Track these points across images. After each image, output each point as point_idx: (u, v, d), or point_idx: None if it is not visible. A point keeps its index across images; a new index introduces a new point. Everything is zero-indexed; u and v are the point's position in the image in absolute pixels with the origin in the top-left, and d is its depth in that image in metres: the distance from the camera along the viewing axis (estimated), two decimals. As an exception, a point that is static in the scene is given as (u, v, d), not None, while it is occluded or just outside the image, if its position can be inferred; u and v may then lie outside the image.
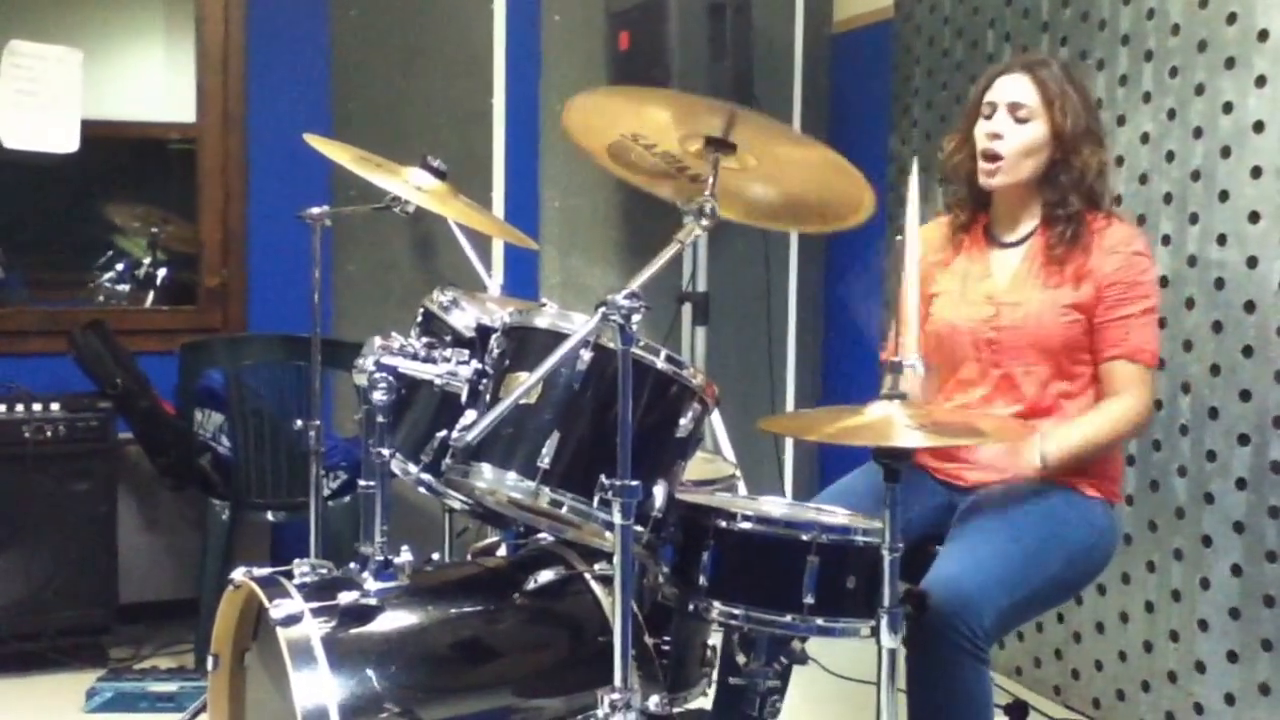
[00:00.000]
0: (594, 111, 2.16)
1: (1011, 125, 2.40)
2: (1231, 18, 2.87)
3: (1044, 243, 2.40)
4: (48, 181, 4.50)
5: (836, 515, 2.14)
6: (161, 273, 4.47)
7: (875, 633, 1.81)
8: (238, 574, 2.05)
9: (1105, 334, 2.34)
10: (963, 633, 2.06)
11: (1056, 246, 2.37)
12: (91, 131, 3.79)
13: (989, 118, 2.43)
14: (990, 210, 2.53)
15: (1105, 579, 3.11)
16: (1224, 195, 2.89)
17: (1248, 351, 2.83)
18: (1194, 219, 2.98)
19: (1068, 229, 2.36)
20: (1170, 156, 3.04)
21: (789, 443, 4.45)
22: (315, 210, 2.93)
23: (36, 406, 3.45)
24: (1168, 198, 3.05)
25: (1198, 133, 2.96)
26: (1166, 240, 3.05)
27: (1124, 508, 3.08)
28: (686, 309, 4.07)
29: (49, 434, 3.43)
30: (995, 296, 2.44)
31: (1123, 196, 3.15)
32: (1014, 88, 2.41)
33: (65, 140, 3.75)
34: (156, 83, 4.81)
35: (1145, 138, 3.12)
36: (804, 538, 1.91)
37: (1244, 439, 2.85)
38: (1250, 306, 2.83)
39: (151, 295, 4.48)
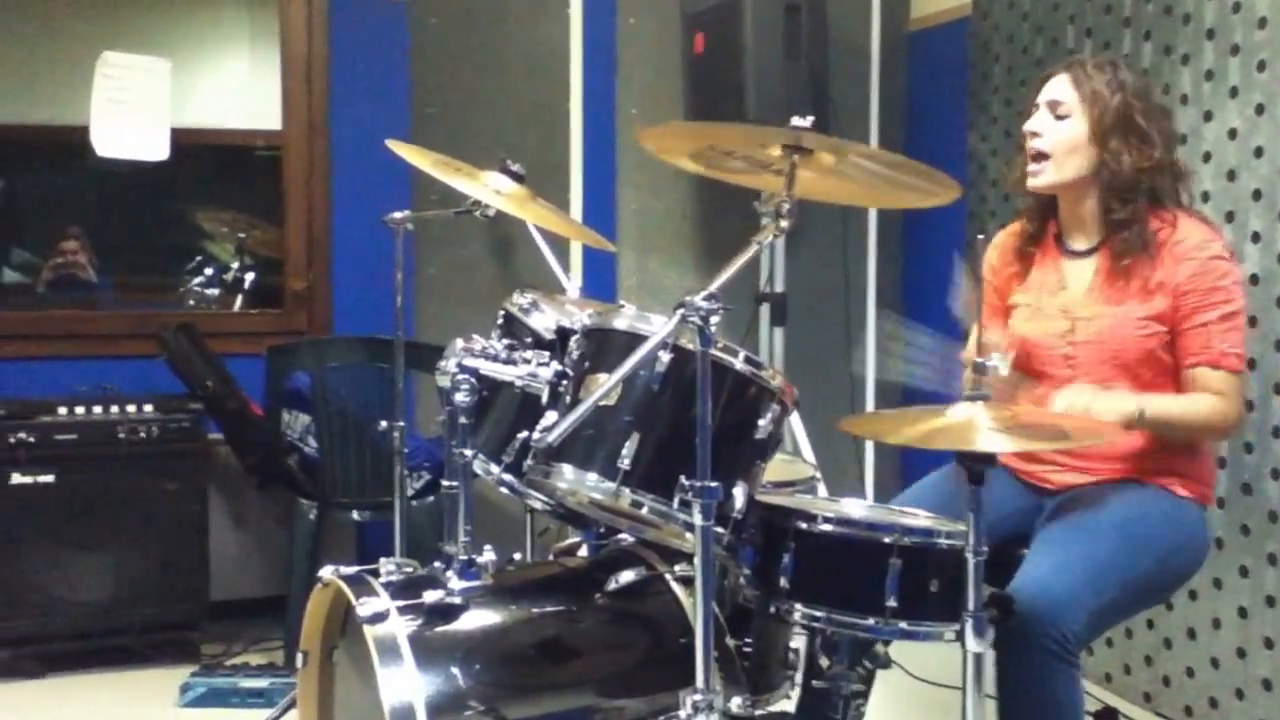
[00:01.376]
0: (669, 135, 2.18)
1: (1050, 123, 2.39)
2: (1323, 9, 2.80)
3: (1112, 250, 2.36)
4: (139, 188, 4.62)
5: (919, 517, 2.12)
6: (248, 277, 4.55)
7: (960, 637, 1.80)
8: (325, 572, 2.08)
9: (1186, 342, 2.28)
10: (1052, 637, 2.03)
11: (1125, 255, 2.32)
12: (180, 139, 3.88)
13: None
14: (1058, 218, 2.49)
15: (1197, 584, 3.05)
16: (1316, 190, 2.83)
17: (1343, 350, 2.77)
18: (1285, 215, 2.92)
19: (1132, 233, 2.31)
20: (1259, 152, 2.97)
21: (869, 444, 4.42)
22: (397, 214, 2.97)
23: (130, 408, 3.54)
24: (1256, 194, 2.98)
25: (1289, 127, 2.90)
26: (1256, 238, 2.98)
27: (1215, 511, 3.02)
28: (764, 309, 4.06)
29: (142, 434, 3.50)
30: (1070, 310, 2.40)
31: (1210, 193, 3.09)
32: (1054, 87, 2.40)
33: (155, 148, 3.83)
34: (243, 91, 4.90)
35: (1233, 134, 3.05)
36: (886, 540, 1.90)
37: (1339, 440, 2.78)
38: (1345, 304, 2.77)
39: (239, 299, 4.57)
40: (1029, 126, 2.42)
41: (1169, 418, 2.26)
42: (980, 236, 2.48)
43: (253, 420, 3.66)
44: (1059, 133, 2.37)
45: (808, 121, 1.95)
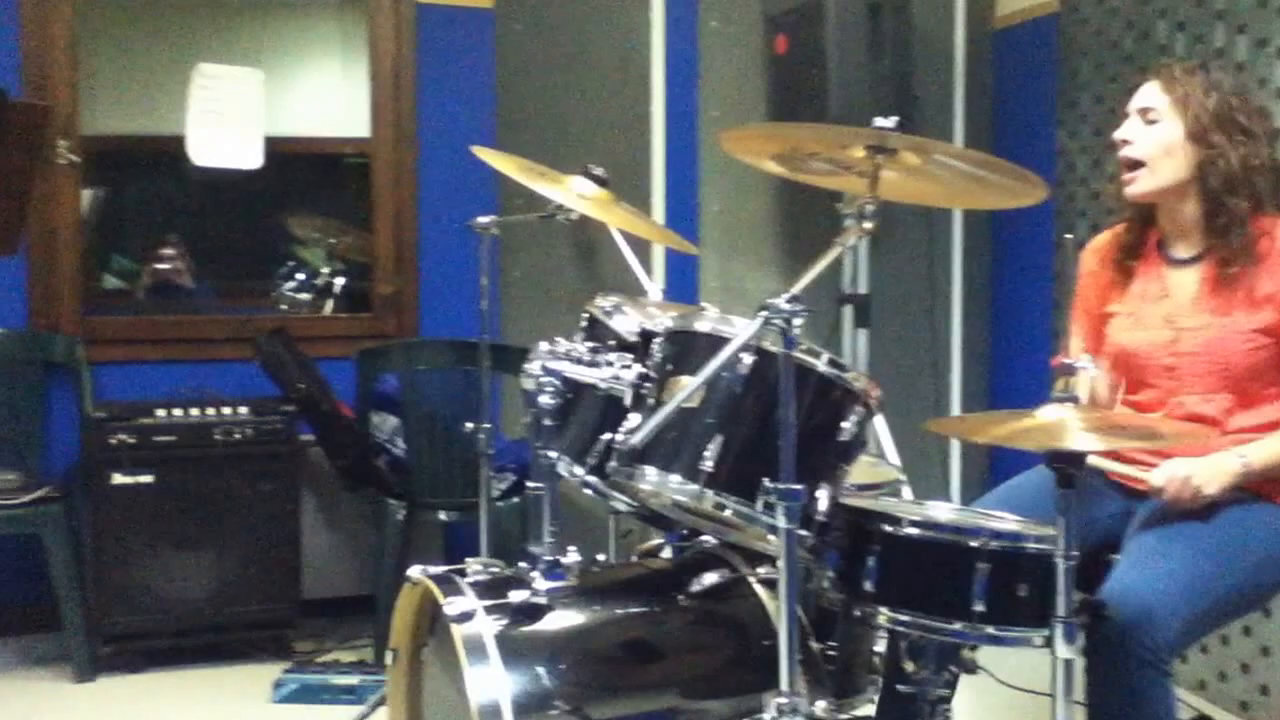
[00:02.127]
0: (751, 138, 2.18)
1: (1141, 128, 2.34)
2: None
3: (1218, 258, 2.30)
4: (234, 196, 4.72)
5: (1006, 521, 2.10)
6: (339, 281, 4.62)
7: (1049, 643, 1.78)
8: (414, 572, 2.11)
9: None
10: (1145, 644, 1.99)
11: (1231, 263, 2.27)
12: (273, 147, 3.95)
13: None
14: (1158, 225, 2.45)
15: (1294, 589, 2.98)
16: None
17: None
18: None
19: (1235, 239, 2.26)
20: (1362, 146, 2.89)
21: (956, 447, 4.37)
22: (483, 219, 3.01)
23: (225, 410, 3.60)
24: (1359, 189, 2.90)
25: (1392, 120, 2.81)
26: (1358, 234, 2.90)
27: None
28: (848, 311, 4.04)
29: (237, 436, 3.57)
30: (1174, 320, 2.35)
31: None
32: (1143, 94, 2.36)
33: (250, 156, 3.91)
34: (333, 100, 4.99)
35: (1334, 127, 2.97)
36: (973, 544, 1.88)
37: None
38: None
39: (330, 303, 4.64)
40: (1119, 135, 2.37)
41: (1278, 458, 2.21)
42: (1068, 236, 2.45)
43: (343, 422, 3.72)
44: (1152, 138, 2.33)
45: (891, 122, 1.94)
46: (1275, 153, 2.34)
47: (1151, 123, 2.34)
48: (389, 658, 2.25)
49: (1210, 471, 2.17)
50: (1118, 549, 2.25)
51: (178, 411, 3.57)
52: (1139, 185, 2.36)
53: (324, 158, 4.81)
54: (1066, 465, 1.74)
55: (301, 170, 4.74)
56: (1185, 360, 2.32)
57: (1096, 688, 2.03)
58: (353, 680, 3.35)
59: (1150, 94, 2.36)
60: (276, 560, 3.62)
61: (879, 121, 1.94)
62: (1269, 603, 2.42)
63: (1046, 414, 1.81)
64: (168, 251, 4.51)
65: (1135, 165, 2.35)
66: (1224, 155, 2.27)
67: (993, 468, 4.39)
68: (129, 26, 4.77)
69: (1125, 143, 2.36)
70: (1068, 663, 1.76)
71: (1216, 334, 2.28)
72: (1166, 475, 2.17)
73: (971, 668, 2.12)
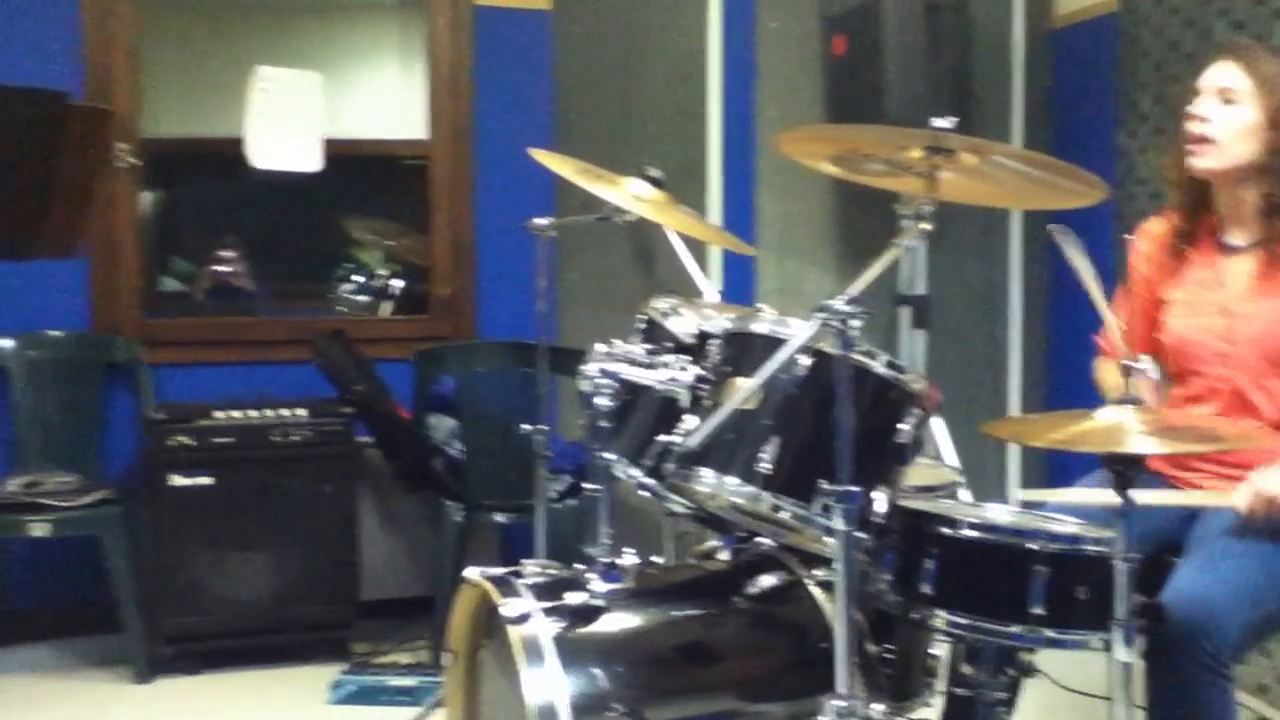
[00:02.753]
0: (808, 139, 2.18)
1: (1218, 108, 2.30)
2: None
3: (1273, 247, 2.27)
4: (292, 198, 4.77)
5: (1065, 523, 2.08)
6: (396, 283, 4.65)
7: (1108, 646, 1.76)
8: (471, 573, 2.11)
9: None
10: (1205, 649, 1.97)
11: None
12: (331, 150, 3.98)
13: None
14: (1215, 211, 2.41)
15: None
16: None
17: None
18: None
19: None
20: None
21: (1014, 448, 4.33)
22: (540, 221, 3.02)
23: (284, 411, 3.62)
24: None
25: None
26: None
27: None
28: (905, 312, 4.01)
29: (295, 438, 3.59)
30: (1228, 307, 2.32)
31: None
32: (1221, 74, 2.32)
33: (308, 159, 3.94)
34: (391, 102, 5.02)
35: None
36: (1031, 546, 1.87)
37: None
38: None
39: (388, 305, 4.67)
40: (1197, 110, 2.32)
41: None
42: (1128, 237, 2.42)
43: (401, 424, 3.74)
44: (1229, 118, 2.29)
45: (949, 122, 1.93)
46: None
47: (1229, 103, 2.30)
48: (446, 659, 2.25)
49: None
50: (1179, 552, 2.22)
51: (236, 413, 3.59)
52: (1205, 160, 2.32)
53: (382, 160, 4.83)
54: (1123, 467, 1.72)
55: (359, 173, 4.77)
56: (1241, 347, 2.30)
57: (1156, 691, 2.01)
58: (410, 682, 3.38)
59: (1230, 74, 2.31)
60: (334, 562, 3.63)
61: (937, 122, 1.93)
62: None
63: (1104, 416, 1.79)
64: (226, 254, 4.55)
65: (1205, 141, 2.31)
66: None
67: (1050, 469, 4.34)
68: (189, 29, 4.84)
69: (1202, 120, 2.32)
70: (1127, 666, 1.74)
71: (1271, 321, 2.25)
72: (1250, 495, 2.12)
73: (1031, 671, 2.09)
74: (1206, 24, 3.62)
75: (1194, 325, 2.37)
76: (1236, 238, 2.37)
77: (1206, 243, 2.42)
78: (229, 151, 3.93)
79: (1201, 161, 2.33)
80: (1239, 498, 2.13)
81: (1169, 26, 3.80)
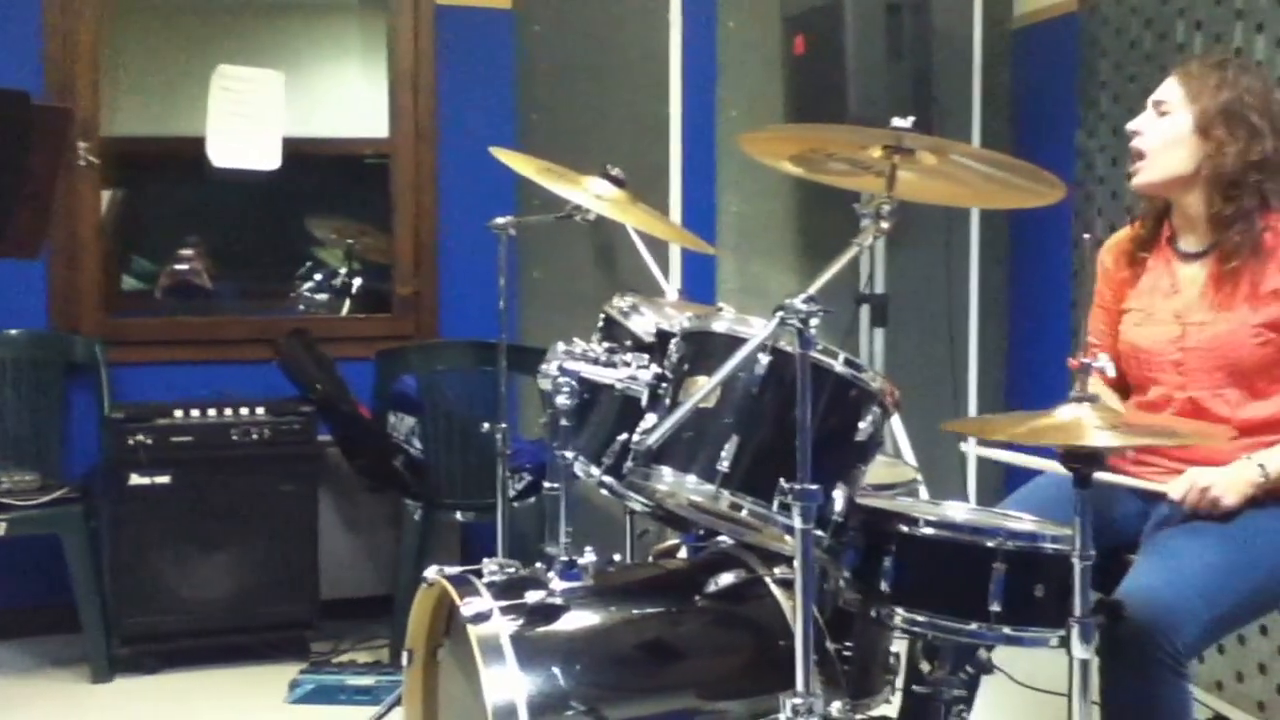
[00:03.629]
0: (769, 139, 2.18)
1: (1152, 120, 2.35)
2: None
3: (1221, 253, 2.29)
4: (253, 197, 4.74)
5: (1023, 521, 2.10)
6: (358, 282, 4.64)
7: (1066, 643, 1.77)
8: (430, 572, 2.11)
9: None
10: (1162, 646, 1.98)
11: (1233, 257, 2.26)
12: (292, 149, 3.96)
13: None
14: (1171, 220, 2.44)
15: (1315, 591, 2.96)
16: None
17: None
18: None
19: (1239, 233, 2.25)
20: (1383, 145, 2.87)
21: (973, 446, 4.36)
22: (501, 220, 3.01)
23: (244, 410, 3.60)
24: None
25: None
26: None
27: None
28: (865, 311, 4.04)
29: (255, 437, 3.57)
30: (1183, 315, 2.34)
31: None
32: (1162, 87, 2.37)
33: (269, 158, 3.92)
34: (353, 100, 5.01)
35: (1354, 126, 2.95)
36: (989, 544, 1.88)
37: None
38: None
39: (348, 304, 4.66)
40: (1131, 125, 2.39)
41: None
42: (1086, 236, 2.45)
43: (362, 422, 3.72)
44: (1159, 129, 2.34)
45: (909, 121, 1.94)
46: None
47: (1163, 114, 2.35)
48: (405, 658, 2.25)
49: (1229, 481, 2.17)
50: (1135, 549, 2.24)
51: (196, 412, 3.57)
52: (1140, 176, 2.37)
53: (343, 159, 4.82)
54: (1082, 464, 1.73)
55: (321, 171, 4.75)
56: (1193, 355, 2.32)
57: (1113, 688, 2.02)
58: (369, 681, 3.37)
59: (1167, 87, 2.37)
60: (294, 561, 3.61)
61: (897, 121, 1.93)
62: (1289, 604, 2.40)
63: (1063, 413, 1.81)
64: (187, 253, 4.53)
65: (1140, 156, 2.37)
66: (1222, 150, 2.26)
67: (1009, 468, 4.37)
68: (149, 28, 4.80)
69: (1136, 133, 2.38)
70: (1084, 663, 1.75)
71: (1223, 329, 2.28)
72: (1185, 486, 2.17)
73: (989, 668, 2.11)
74: (1165, 24, 3.66)
75: (1149, 334, 2.39)
76: (1189, 245, 2.39)
77: (1163, 250, 2.44)
78: (190, 150, 3.91)
79: (1136, 179, 2.38)
80: (1174, 488, 2.18)
81: (1128, 26, 3.84)
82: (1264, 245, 2.25)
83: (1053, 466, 2.13)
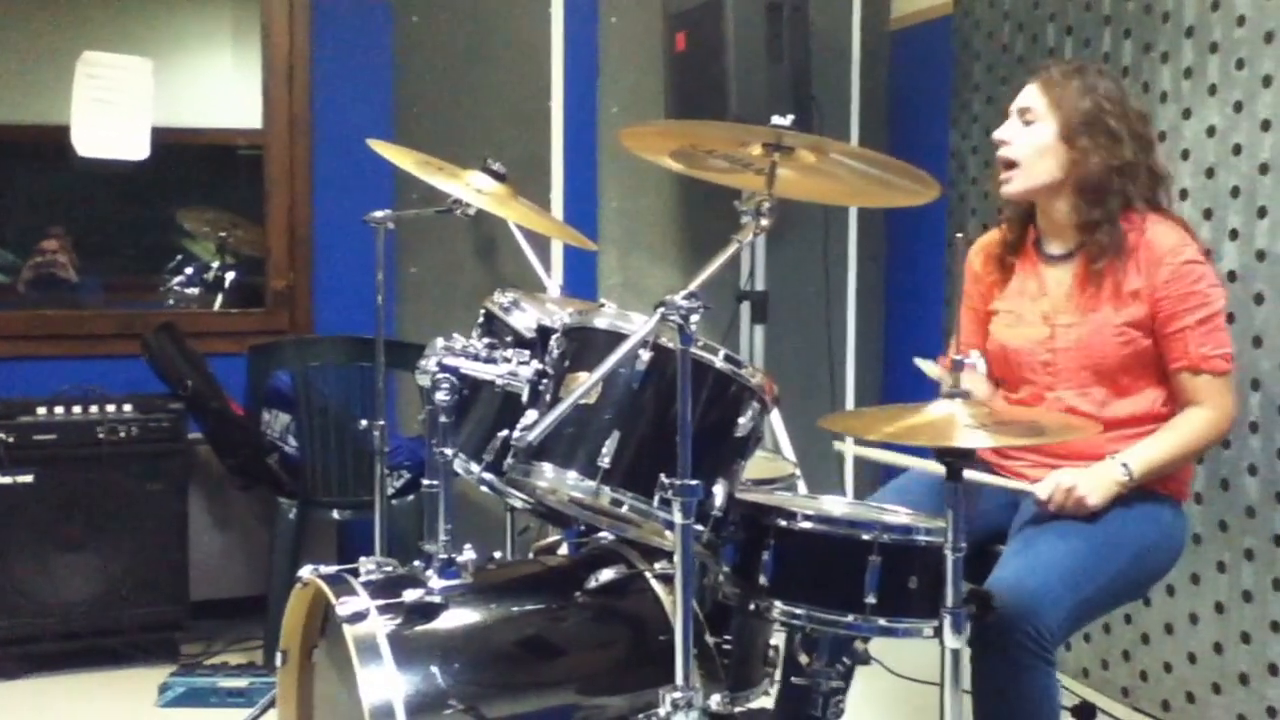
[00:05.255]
0: (650, 135, 2.19)
1: (1019, 129, 2.41)
2: (1300, 8, 2.82)
3: (1086, 255, 2.36)
4: (120, 187, 4.61)
5: (898, 514, 2.13)
6: (230, 276, 4.54)
7: (939, 633, 1.81)
8: (305, 572, 2.08)
9: (1167, 348, 2.30)
10: (1028, 634, 2.04)
11: (1097, 259, 2.33)
12: (162, 138, 3.86)
13: None
14: (1036, 224, 2.50)
15: (1174, 579, 3.07)
16: (1294, 189, 2.85)
17: (1319, 347, 2.79)
18: (1262, 213, 2.93)
19: (1103, 236, 2.32)
20: (1238, 150, 2.99)
21: (850, 442, 4.43)
22: (379, 214, 2.97)
23: (110, 407, 3.52)
24: (1235, 191, 3.00)
25: (1265, 125, 2.91)
26: (1235, 235, 3.00)
27: (1193, 506, 3.04)
28: (745, 307, 4.07)
29: (122, 434, 3.49)
30: (1050, 316, 2.41)
31: (1189, 190, 3.11)
32: (1023, 95, 2.43)
33: (137, 147, 3.81)
34: (225, 90, 4.89)
35: (1211, 131, 3.07)
36: (865, 537, 1.91)
37: (1316, 436, 2.80)
38: (1321, 302, 2.78)
39: (220, 298, 4.56)
40: (997, 135, 2.44)
41: (1159, 461, 2.27)
42: (959, 235, 2.49)
43: (234, 420, 3.65)
44: (1027, 138, 2.40)
45: (788, 120, 1.96)
46: (1151, 155, 2.41)
47: (1029, 123, 2.40)
48: (279, 659, 2.21)
49: (1094, 482, 2.23)
50: (1004, 540, 2.30)
51: (60, 409, 3.48)
52: (1013, 185, 2.42)
53: (215, 149, 4.71)
54: (955, 459, 1.77)
55: (192, 162, 4.64)
56: (1061, 356, 2.39)
57: (982, 676, 2.07)
58: (241, 683, 3.30)
59: (1030, 95, 2.42)
60: (163, 561, 3.53)
61: (776, 119, 1.95)
62: (1149, 591, 2.49)
63: (935, 409, 1.84)
64: (50, 244, 4.38)
65: (1010, 165, 2.41)
66: (1087, 158, 2.33)
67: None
68: (10, 9, 4.62)
69: (1003, 143, 2.43)
70: (956, 652, 1.79)
71: (1089, 329, 2.35)
72: (1051, 486, 2.23)
73: (865, 659, 2.14)
74: (1036, 27, 3.76)
75: (1018, 335, 2.46)
76: (1055, 248, 2.46)
77: (1030, 253, 2.50)
78: (54, 139, 3.80)
79: (1007, 189, 2.43)
80: (1041, 489, 2.24)
81: (1000, 30, 3.94)
82: (1126, 245, 2.32)
83: (925, 465, 2.17)
